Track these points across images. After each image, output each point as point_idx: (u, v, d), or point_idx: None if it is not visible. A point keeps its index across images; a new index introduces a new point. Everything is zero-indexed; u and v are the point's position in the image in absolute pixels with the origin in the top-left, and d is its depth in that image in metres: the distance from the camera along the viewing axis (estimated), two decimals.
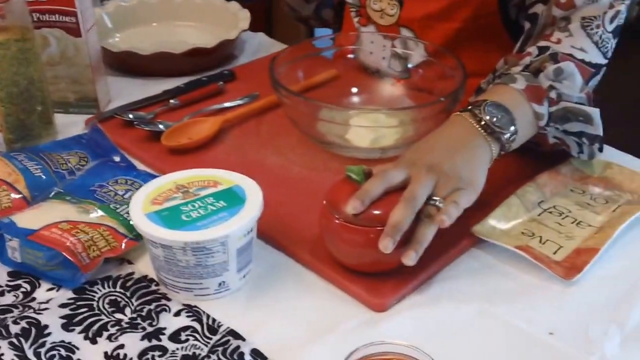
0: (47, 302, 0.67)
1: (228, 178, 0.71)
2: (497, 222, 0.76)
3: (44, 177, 0.81)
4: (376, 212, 0.67)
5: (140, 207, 0.68)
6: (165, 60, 1.07)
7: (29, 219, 0.72)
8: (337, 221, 0.68)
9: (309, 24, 1.28)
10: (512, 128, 0.74)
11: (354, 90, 0.97)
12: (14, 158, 0.83)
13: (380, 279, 0.68)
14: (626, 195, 0.81)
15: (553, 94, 0.78)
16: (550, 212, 0.78)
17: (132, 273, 0.71)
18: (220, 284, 0.68)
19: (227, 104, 0.98)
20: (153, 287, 0.69)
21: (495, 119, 0.74)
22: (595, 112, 0.79)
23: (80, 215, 0.74)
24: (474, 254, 0.74)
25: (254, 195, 0.69)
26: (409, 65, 0.99)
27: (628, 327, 0.65)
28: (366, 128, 0.87)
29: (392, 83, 0.96)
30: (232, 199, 0.68)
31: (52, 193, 0.78)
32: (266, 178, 0.82)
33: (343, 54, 0.97)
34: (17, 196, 0.78)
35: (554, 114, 0.78)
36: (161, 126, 0.92)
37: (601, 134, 0.81)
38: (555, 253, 0.72)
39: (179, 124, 0.93)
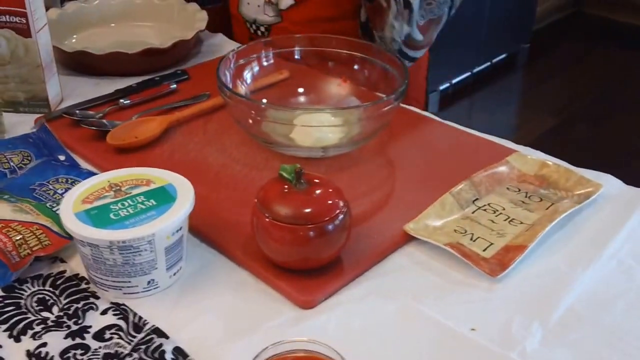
0: None
1: (161, 177, 0.70)
2: (430, 220, 0.75)
3: None
4: (305, 210, 0.66)
5: (70, 206, 0.66)
6: (120, 60, 1.05)
7: None
8: (266, 219, 0.66)
9: None
10: None
11: (300, 90, 0.95)
12: None
13: (309, 276, 0.67)
14: (561, 193, 0.80)
15: None
16: (485, 210, 0.77)
17: (64, 271, 0.69)
18: (149, 282, 0.66)
19: (176, 104, 0.97)
20: (83, 286, 0.67)
21: None
22: None
23: (14, 214, 0.72)
24: (406, 251, 0.73)
25: (185, 194, 0.68)
26: (280, 9, 1.15)
27: (550, 323, 0.63)
28: (311, 127, 0.85)
29: (338, 83, 0.95)
30: (163, 197, 0.67)
31: None
32: (207, 176, 0.82)
33: (290, 55, 0.96)
34: None
35: None
36: (108, 125, 0.91)
37: (416, 4, 0.97)
38: (484, 250, 0.71)
39: (126, 123, 0.91)
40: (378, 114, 0.83)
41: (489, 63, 3.59)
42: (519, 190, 0.81)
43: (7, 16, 0.91)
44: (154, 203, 0.66)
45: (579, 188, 0.80)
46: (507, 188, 0.81)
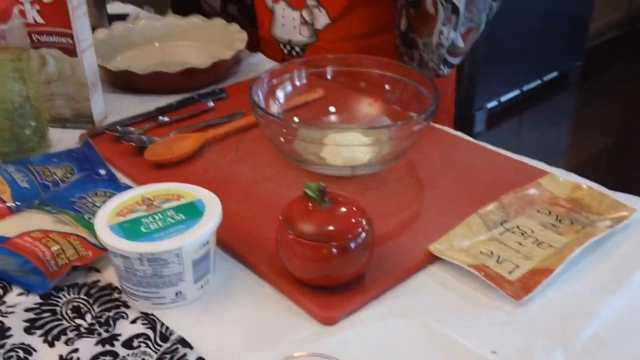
0: (15, 306, 0.69)
1: (191, 192, 0.73)
2: (456, 241, 0.76)
3: (29, 187, 0.84)
4: (328, 228, 0.68)
5: (105, 219, 0.70)
6: (161, 79, 1.10)
7: (5, 227, 0.75)
8: (290, 236, 0.69)
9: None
10: None
11: (332, 109, 0.98)
12: (3, 170, 0.86)
13: (331, 293, 0.69)
14: (593, 217, 0.80)
15: None
16: (513, 232, 0.78)
17: (98, 281, 0.73)
18: (177, 294, 0.69)
19: (212, 122, 1.01)
20: (115, 295, 0.71)
21: None
22: None
23: (54, 225, 0.76)
24: (430, 272, 0.74)
25: (213, 209, 0.71)
26: (316, 29, 1.21)
27: (574, 349, 0.64)
28: (341, 146, 0.88)
29: (369, 103, 0.97)
30: (192, 212, 0.70)
31: (35, 203, 0.81)
32: (237, 193, 0.85)
33: (323, 75, 0.99)
34: (1, 205, 0.81)
35: None
36: (147, 141, 0.95)
37: (462, 9, 1.04)
38: (510, 272, 0.72)
39: (163, 140, 0.95)
40: (408, 133, 0.85)
41: (539, 81, 3.57)
42: (550, 212, 0.81)
43: (55, 36, 0.96)
44: (183, 217, 0.69)
45: (611, 212, 0.80)
46: (538, 210, 0.82)
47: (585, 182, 0.86)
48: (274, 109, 0.94)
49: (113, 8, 1.47)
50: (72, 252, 0.73)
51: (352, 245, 0.68)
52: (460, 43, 1.11)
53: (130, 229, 0.68)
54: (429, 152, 0.94)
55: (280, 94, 0.96)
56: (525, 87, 3.51)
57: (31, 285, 0.72)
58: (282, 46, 1.27)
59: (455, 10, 1.07)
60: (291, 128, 0.89)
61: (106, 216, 0.70)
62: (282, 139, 0.89)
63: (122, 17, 1.42)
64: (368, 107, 0.97)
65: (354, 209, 0.71)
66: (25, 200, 0.82)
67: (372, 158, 0.88)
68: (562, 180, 0.85)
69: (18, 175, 0.86)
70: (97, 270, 0.75)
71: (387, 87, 0.96)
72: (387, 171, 0.89)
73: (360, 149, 0.88)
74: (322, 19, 1.21)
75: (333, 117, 0.98)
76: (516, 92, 3.49)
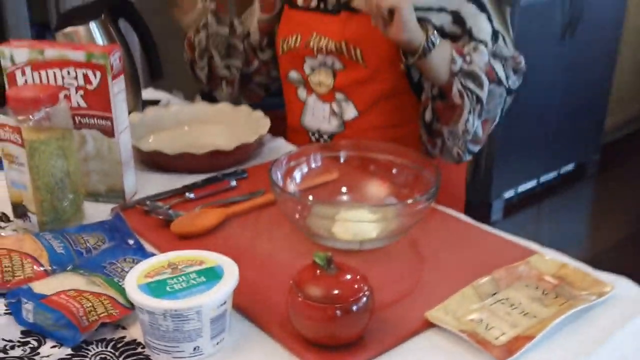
0: (48, 356, 0.78)
1: (212, 258, 0.83)
2: (451, 309, 0.84)
3: (64, 254, 0.94)
4: (333, 292, 0.77)
5: (135, 279, 0.79)
6: (188, 159, 1.21)
7: (44, 286, 0.85)
8: (299, 298, 0.78)
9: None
10: (437, 41, 1.12)
11: (344, 189, 1.08)
12: (42, 237, 0.96)
13: (336, 351, 0.77)
14: (576, 292, 0.88)
15: (467, 57, 1.15)
16: (502, 303, 0.86)
17: (124, 337, 0.81)
18: (195, 349, 0.77)
19: (233, 199, 1.11)
20: (139, 350, 0.79)
21: (432, 32, 1.12)
22: (486, 83, 1.16)
23: (87, 285, 0.86)
24: (427, 336, 0.82)
25: (230, 274, 0.80)
26: (345, 119, 1.31)
27: None
28: (351, 222, 0.97)
29: (378, 184, 1.07)
30: (212, 275, 0.79)
31: (69, 267, 0.91)
32: (254, 262, 0.94)
33: (336, 159, 1.09)
34: (40, 269, 0.91)
35: (463, 69, 1.15)
36: (173, 215, 1.05)
37: (483, 98, 1.16)
38: (497, 338, 0.80)
39: (188, 214, 1.05)
40: (411, 212, 0.95)
41: (556, 172, 3.65)
42: (537, 287, 0.89)
43: (96, 119, 1.08)
44: (204, 280, 0.78)
45: (593, 288, 0.88)
46: (526, 285, 0.90)
47: (570, 262, 0.94)
48: (291, 187, 1.04)
49: (146, 94, 1.60)
50: (102, 310, 0.82)
51: (354, 308, 0.77)
52: (480, 132, 1.21)
53: (156, 289, 0.77)
54: (432, 230, 1.03)
55: (297, 175, 1.06)
56: (543, 178, 3.59)
57: (64, 338, 0.80)
58: (310, 134, 1.36)
59: (479, 100, 1.18)
60: (306, 205, 0.99)
61: (136, 277, 0.79)
62: (297, 215, 0.98)
63: (155, 102, 1.55)
64: (377, 189, 1.07)
65: (357, 276, 0.79)
66: (60, 265, 0.92)
67: (378, 234, 0.97)
68: (548, 259, 0.93)
69: (55, 243, 0.96)
70: (124, 328, 0.83)
71: (394, 170, 1.06)
72: (391, 246, 0.98)
73: (367, 225, 0.97)
74: (350, 111, 1.31)
75: (344, 197, 1.08)
76: (533, 183, 3.57)
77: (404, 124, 1.32)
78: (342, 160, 1.09)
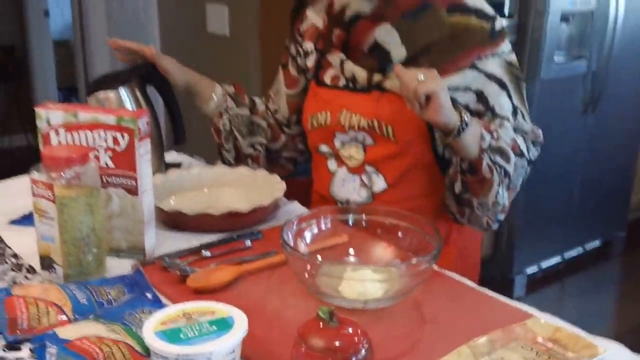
0: None
1: (224, 310, 0.91)
2: None
3: (87, 304, 1.04)
4: (333, 343, 0.85)
5: (151, 326, 0.88)
6: (206, 220, 1.31)
7: (67, 332, 0.94)
8: (302, 349, 0.86)
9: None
10: (469, 121, 1.23)
11: (351, 251, 1.17)
12: (67, 287, 1.06)
13: None
14: (569, 354, 0.95)
15: (495, 134, 1.27)
16: None
17: None
18: None
19: (247, 258, 1.20)
20: None
21: (465, 114, 1.23)
22: (512, 157, 1.28)
23: (108, 333, 0.95)
24: None
25: (240, 324, 0.88)
26: (374, 192, 1.41)
27: None
28: (357, 282, 1.06)
29: (384, 247, 1.16)
30: (223, 325, 0.88)
31: (91, 316, 1.01)
32: (264, 318, 1.03)
33: (345, 222, 1.19)
34: (63, 317, 1.01)
35: (491, 145, 1.26)
36: (189, 271, 1.15)
37: (511, 172, 1.29)
38: None
39: (204, 270, 1.15)
40: (413, 273, 1.03)
41: (581, 249, 3.68)
42: (532, 349, 0.97)
43: (122, 178, 1.19)
44: (215, 329, 0.87)
45: (585, 350, 0.95)
46: (522, 346, 0.97)
47: (565, 326, 1.02)
48: (301, 247, 1.14)
49: (170, 157, 1.72)
50: (120, 356, 0.91)
51: (353, 359, 0.85)
52: (507, 202, 1.33)
53: (171, 335, 0.86)
54: (435, 293, 1.11)
55: (307, 235, 1.16)
56: (567, 254, 3.63)
57: None
58: (339, 204, 1.44)
59: (506, 173, 1.29)
60: (315, 264, 1.08)
61: (153, 324, 0.88)
62: (306, 275, 1.07)
63: (177, 165, 1.67)
64: (383, 251, 1.16)
65: (358, 330, 0.88)
66: (83, 314, 1.02)
67: (383, 294, 1.05)
68: (544, 323, 1.01)
69: (79, 293, 1.06)
70: None
71: (399, 234, 1.15)
72: (395, 306, 1.07)
73: (372, 285, 1.06)
74: (379, 184, 1.40)
75: (352, 258, 1.17)
76: (557, 259, 3.60)
77: (429, 194, 1.41)
78: (350, 224, 1.19)
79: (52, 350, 0.92)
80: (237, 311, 0.91)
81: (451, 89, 1.29)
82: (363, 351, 0.86)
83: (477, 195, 1.30)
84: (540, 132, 1.37)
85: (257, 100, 1.59)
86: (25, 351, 0.96)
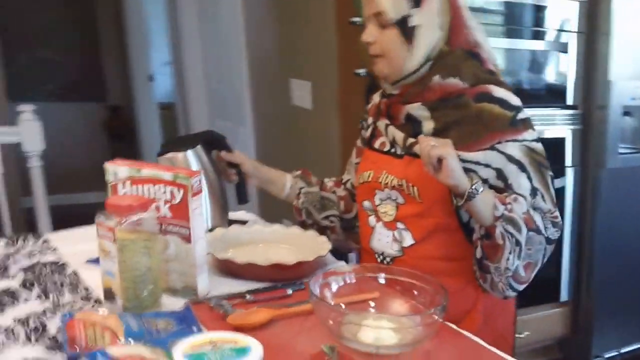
0: None
1: (245, 340, 1.08)
2: None
3: (137, 331, 1.23)
4: None
5: (181, 350, 1.06)
6: (254, 270, 1.49)
7: (116, 350, 1.13)
8: None
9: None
10: (481, 189, 1.39)
11: (372, 304, 1.32)
12: (123, 316, 1.25)
13: None
14: None
15: (509, 206, 1.42)
16: None
17: None
18: None
19: (285, 304, 1.37)
20: None
21: (476, 181, 1.39)
22: (524, 228, 1.42)
23: (151, 354, 1.13)
24: None
25: (256, 352, 1.05)
26: (403, 246, 1.58)
27: None
28: (373, 329, 1.21)
29: (400, 303, 1.31)
30: (242, 352, 1.05)
31: (141, 342, 1.19)
32: (291, 353, 1.18)
33: (369, 279, 1.35)
34: (116, 341, 1.20)
35: (505, 215, 1.40)
36: (231, 311, 1.32)
37: (522, 241, 1.42)
38: None
39: (244, 312, 1.32)
40: (422, 324, 1.17)
41: None
42: None
43: (178, 227, 1.39)
44: (235, 355, 1.04)
45: None
46: None
47: None
48: (328, 297, 1.30)
49: (238, 215, 1.93)
50: None
51: None
52: (522, 272, 1.46)
53: (196, 358, 1.03)
54: (445, 347, 1.24)
55: (334, 287, 1.32)
56: None
57: None
58: (377, 256, 1.64)
59: (518, 243, 1.43)
60: (339, 313, 1.23)
61: (182, 348, 1.06)
62: (331, 322, 1.23)
63: (243, 222, 1.86)
64: (399, 306, 1.31)
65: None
66: (133, 338, 1.21)
67: (396, 342, 1.19)
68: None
69: (132, 322, 1.25)
70: None
71: (415, 292, 1.31)
72: (406, 354, 1.20)
73: (387, 333, 1.20)
74: (408, 239, 1.58)
75: (372, 310, 1.31)
76: (638, 345, 3.55)
77: (456, 259, 1.56)
78: (377, 280, 1.35)
79: None
80: (255, 342, 1.08)
81: (473, 162, 1.47)
82: None
83: (493, 260, 1.43)
84: (558, 214, 1.50)
85: (325, 179, 1.85)
86: None
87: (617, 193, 3.14)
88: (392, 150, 1.62)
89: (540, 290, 3.21)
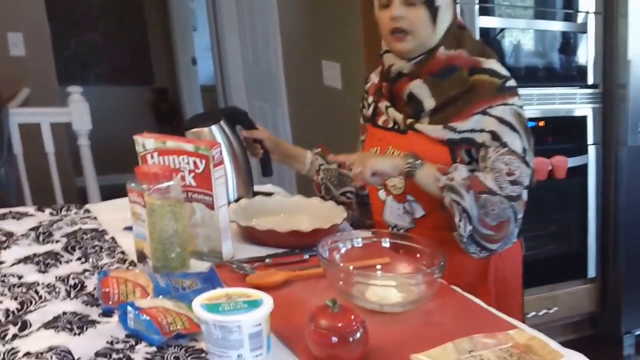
0: (139, 351, 1.16)
1: (257, 294, 1.17)
2: (432, 356, 1.13)
3: (165, 288, 1.33)
4: (334, 323, 1.10)
5: (199, 301, 1.15)
6: (274, 236, 1.59)
7: (143, 303, 1.24)
8: (312, 327, 1.11)
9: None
10: (419, 165, 1.54)
11: (379, 267, 1.41)
12: (153, 275, 1.37)
13: None
14: (535, 357, 1.14)
15: (450, 175, 1.51)
16: (474, 358, 1.14)
17: (194, 346, 1.18)
18: (238, 356, 1.11)
19: (300, 267, 1.47)
20: (203, 355, 1.14)
21: (410, 159, 1.54)
22: (465, 195, 1.49)
23: (174, 307, 1.24)
24: None
25: (267, 304, 1.14)
26: (414, 217, 1.67)
27: None
28: (379, 288, 1.30)
29: (405, 266, 1.40)
30: (254, 304, 1.14)
31: (167, 297, 1.30)
32: (301, 310, 1.27)
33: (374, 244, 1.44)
34: (145, 294, 1.31)
35: (447, 185, 1.51)
36: (250, 272, 1.42)
37: (467, 206, 1.49)
38: None
39: (262, 273, 1.42)
40: (422, 282, 1.26)
41: None
42: (508, 351, 1.16)
43: (202, 195, 1.49)
44: (247, 306, 1.13)
45: (548, 355, 1.14)
46: (500, 349, 1.17)
47: (542, 337, 1.20)
48: (337, 258, 1.39)
49: (263, 188, 2.03)
50: (180, 324, 1.20)
51: (350, 338, 1.09)
52: (490, 232, 1.53)
53: (212, 308, 1.13)
54: (446, 307, 1.33)
55: (342, 249, 1.41)
56: None
57: (152, 340, 1.18)
58: (390, 228, 1.73)
59: (464, 210, 1.50)
60: (349, 273, 1.32)
61: (200, 299, 1.16)
62: (341, 282, 1.32)
63: (269, 194, 1.96)
64: (404, 269, 1.40)
65: (356, 316, 1.12)
66: (161, 294, 1.32)
67: (400, 301, 1.28)
68: (524, 332, 1.20)
69: (161, 280, 1.36)
70: (195, 340, 1.20)
71: (417, 255, 1.40)
72: (410, 312, 1.29)
73: (392, 292, 1.29)
74: (419, 211, 1.67)
75: (379, 273, 1.40)
76: None
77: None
78: (382, 244, 1.43)
79: (130, 315, 1.22)
80: (267, 296, 1.17)
81: (467, 131, 1.57)
82: (357, 334, 1.10)
83: (452, 228, 1.55)
84: (519, 172, 1.54)
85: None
86: (114, 318, 1.26)
87: (638, 170, 3.15)
88: (396, 127, 1.71)
89: (568, 266, 3.27)
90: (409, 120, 1.65)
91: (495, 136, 1.56)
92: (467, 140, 1.55)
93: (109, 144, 4.74)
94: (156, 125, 5.92)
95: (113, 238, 1.68)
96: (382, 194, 1.73)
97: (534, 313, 3.06)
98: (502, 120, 1.57)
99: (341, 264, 1.39)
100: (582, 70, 3.08)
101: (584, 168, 3.13)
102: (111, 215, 1.82)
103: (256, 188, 1.98)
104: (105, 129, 4.32)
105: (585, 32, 3.03)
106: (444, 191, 1.52)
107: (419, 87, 1.64)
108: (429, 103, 1.63)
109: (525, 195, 1.58)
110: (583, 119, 3.09)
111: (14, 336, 1.19)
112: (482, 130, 1.57)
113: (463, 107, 1.59)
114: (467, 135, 1.56)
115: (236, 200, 1.78)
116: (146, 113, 6.06)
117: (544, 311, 3.14)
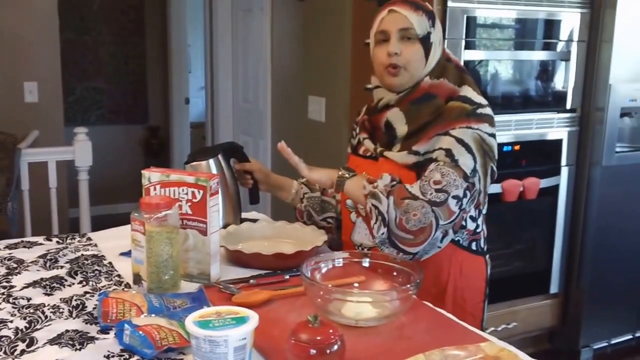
0: None
1: (244, 312, 1.21)
2: None
3: (158, 307, 1.37)
4: (313, 337, 1.14)
5: (191, 318, 1.19)
6: (258, 258, 1.63)
7: (139, 320, 1.27)
8: (292, 341, 1.15)
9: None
10: (348, 177, 1.63)
11: (356, 284, 1.45)
12: (147, 295, 1.40)
13: None
14: None
15: (374, 184, 1.56)
16: None
17: (182, 358, 1.21)
18: None
19: (283, 287, 1.51)
20: None
21: (342, 172, 1.65)
22: (384, 200, 1.52)
23: (166, 324, 1.27)
24: None
25: (253, 320, 1.18)
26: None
27: None
28: (355, 304, 1.33)
29: (381, 283, 1.44)
30: (241, 321, 1.18)
31: (160, 315, 1.34)
32: (283, 325, 1.31)
33: (354, 264, 1.48)
34: (140, 314, 1.35)
35: (370, 192, 1.56)
36: (236, 292, 1.46)
37: (383, 210, 1.52)
38: None
39: (247, 292, 1.46)
40: (396, 298, 1.30)
41: None
42: None
43: (197, 222, 1.54)
44: (235, 323, 1.17)
45: None
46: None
47: (512, 349, 1.24)
48: (317, 278, 1.43)
49: (249, 215, 2.07)
50: (171, 339, 1.23)
51: (327, 350, 1.13)
52: (408, 236, 1.52)
53: (203, 324, 1.16)
54: (419, 321, 1.37)
55: (323, 269, 1.45)
56: (638, 334, 3.58)
57: (144, 354, 1.21)
58: (356, 247, 1.77)
59: (380, 212, 1.53)
60: (326, 290, 1.36)
61: (192, 317, 1.20)
62: (319, 300, 1.36)
63: (254, 220, 2.00)
64: (380, 286, 1.44)
65: (334, 331, 1.16)
66: (154, 313, 1.35)
67: (374, 316, 1.32)
68: (495, 345, 1.24)
69: (154, 300, 1.39)
70: (183, 353, 1.23)
71: (394, 273, 1.44)
72: (383, 326, 1.33)
73: (367, 307, 1.33)
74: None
75: (355, 290, 1.44)
76: (628, 337, 3.56)
77: None
78: (363, 264, 1.48)
79: (127, 331, 1.25)
80: (253, 313, 1.21)
81: (429, 152, 1.61)
82: (336, 346, 1.14)
83: (371, 233, 1.59)
84: (446, 181, 1.53)
85: None
86: (111, 334, 1.30)
87: (612, 189, 3.19)
88: (371, 155, 1.77)
89: (531, 282, 3.29)
90: (379, 149, 1.71)
91: (449, 153, 1.57)
92: (429, 160, 1.59)
93: (98, 178, 4.76)
94: (144, 161, 5.97)
95: (110, 263, 1.71)
96: (353, 216, 1.78)
97: (492, 328, 3.07)
98: (459, 140, 1.58)
99: (321, 283, 1.43)
100: (561, 96, 3.13)
101: (555, 188, 3.17)
102: (109, 242, 1.86)
103: (242, 215, 2.02)
104: (99, 164, 4.35)
105: (567, 59, 3.08)
106: (367, 198, 1.56)
107: (395, 115, 1.69)
108: (402, 130, 1.68)
109: (453, 204, 1.54)
110: (558, 141, 3.13)
111: (22, 351, 1.24)
112: (439, 149, 1.59)
113: (430, 130, 1.63)
114: (428, 155, 1.60)
115: (224, 227, 1.82)
116: (135, 149, 6.12)
117: (503, 326, 3.16)
